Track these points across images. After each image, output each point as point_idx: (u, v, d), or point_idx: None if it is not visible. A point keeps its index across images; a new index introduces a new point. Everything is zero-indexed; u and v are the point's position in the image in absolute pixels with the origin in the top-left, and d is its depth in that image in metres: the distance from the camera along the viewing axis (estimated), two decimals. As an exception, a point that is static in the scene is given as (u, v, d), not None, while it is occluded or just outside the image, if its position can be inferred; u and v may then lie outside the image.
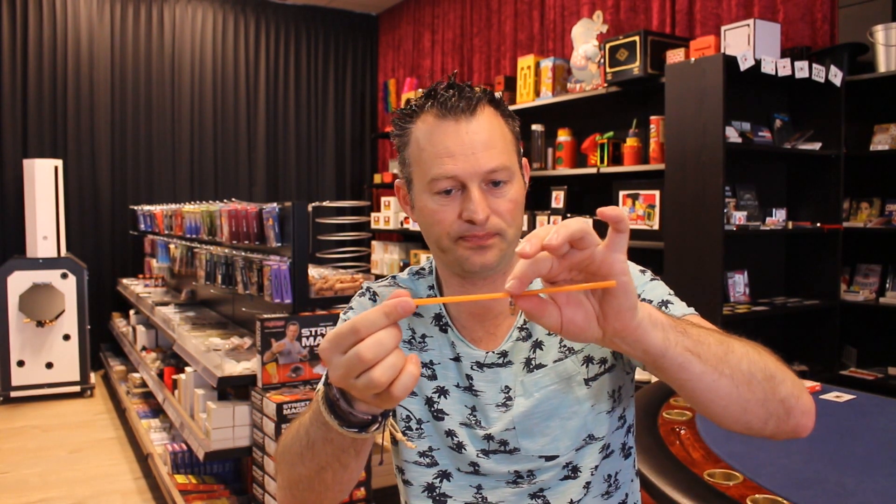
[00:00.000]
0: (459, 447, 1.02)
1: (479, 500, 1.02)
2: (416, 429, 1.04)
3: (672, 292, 1.00)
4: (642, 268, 1.05)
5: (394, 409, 1.01)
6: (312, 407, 0.82)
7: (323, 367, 1.04)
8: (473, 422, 1.02)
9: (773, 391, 0.81)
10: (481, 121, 0.95)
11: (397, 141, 1.01)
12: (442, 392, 1.04)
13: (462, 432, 1.02)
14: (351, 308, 1.11)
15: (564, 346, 1.01)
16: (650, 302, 0.97)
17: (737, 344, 0.80)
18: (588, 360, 1.00)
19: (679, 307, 0.97)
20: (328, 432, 0.79)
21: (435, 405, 1.04)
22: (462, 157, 0.93)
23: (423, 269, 1.14)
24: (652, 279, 1.02)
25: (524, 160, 1.06)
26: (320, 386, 1.00)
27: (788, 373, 0.85)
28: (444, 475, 1.04)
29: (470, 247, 0.95)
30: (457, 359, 1.04)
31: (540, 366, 1.00)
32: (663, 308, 0.96)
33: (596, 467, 1.00)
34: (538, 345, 1.02)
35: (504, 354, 1.02)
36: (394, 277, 1.14)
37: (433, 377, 1.04)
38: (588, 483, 1.01)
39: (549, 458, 0.99)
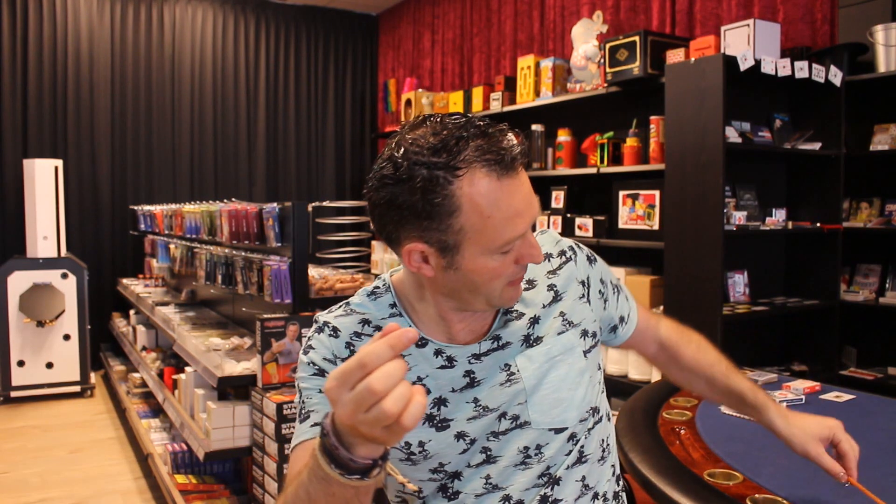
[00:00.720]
0: (471, 443, 1.03)
1: (490, 488, 1.03)
2: (421, 452, 1.03)
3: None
4: (573, 244, 1.15)
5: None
6: (308, 464, 0.78)
7: (300, 431, 1.02)
8: (481, 410, 1.02)
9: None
10: (521, 172, 0.92)
11: (439, 204, 0.87)
12: (440, 402, 1.03)
13: (472, 427, 1.03)
14: (311, 347, 1.04)
15: (566, 319, 1.06)
16: (618, 288, 1.19)
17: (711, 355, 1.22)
18: (584, 334, 1.08)
19: (628, 291, 1.23)
20: (329, 486, 0.75)
21: (436, 418, 1.03)
22: (527, 214, 0.92)
23: (377, 288, 1.09)
24: (591, 259, 1.16)
25: None
26: (306, 442, 0.98)
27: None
28: (455, 475, 1.05)
29: (515, 286, 0.99)
30: (448, 364, 1.03)
31: (539, 339, 1.05)
32: (615, 293, 1.18)
33: (589, 431, 1.07)
34: (535, 320, 1.05)
35: (497, 338, 1.04)
36: (347, 303, 1.09)
37: (426, 392, 1.03)
38: (588, 453, 1.07)
39: (558, 431, 1.03)
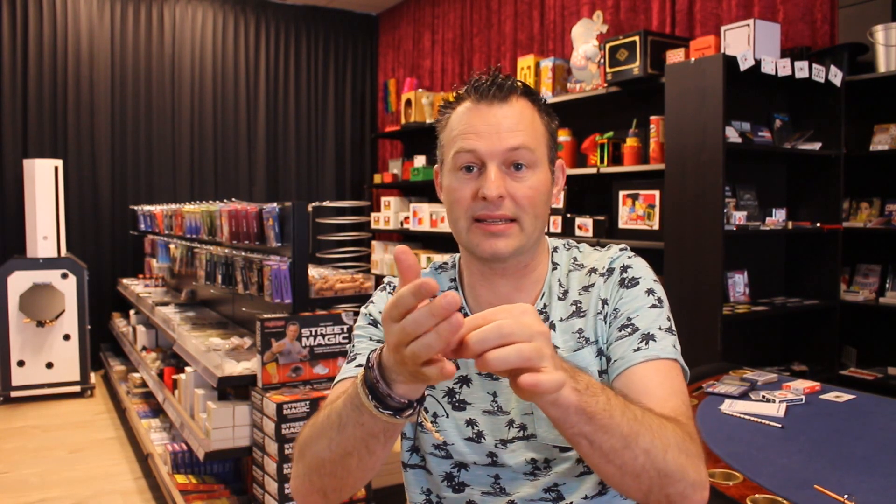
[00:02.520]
0: (479, 436, 1.03)
1: (497, 489, 1.03)
2: (432, 422, 1.05)
3: (665, 325, 0.98)
4: (651, 286, 1.02)
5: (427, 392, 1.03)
6: (347, 391, 0.83)
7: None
8: (496, 408, 1.02)
9: (661, 487, 0.80)
10: (513, 107, 0.99)
11: (437, 126, 1.06)
12: (464, 381, 1.05)
13: (483, 420, 1.03)
14: (372, 302, 1.13)
15: (582, 335, 1.02)
16: (633, 328, 0.97)
17: (646, 437, 0.78)
18: (600, 353, 1.02)
19: (659, 346, 0.95)
20: (361, 415, 0.80)
21: (456, 395, 1.04)
22: (486, 134, 0.97)
23: (446, 263, 1.16)
24: (653, 305, 1.00)
25: (560, 161, 1.08)
26: (347, 379, 1.03)
27: (690, 467, 0.82)
28: (461, 465, 1.05)
29: (482, 232, 0.97)
30: None
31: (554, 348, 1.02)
32: (644, 343, 0.96)
33: None
34: (552, 327, 1.03)
35: None
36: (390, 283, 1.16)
37: (455, 367, 1.05)
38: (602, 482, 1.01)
39: (563, 449, 1.00)
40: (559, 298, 1.05)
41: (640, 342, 0.95)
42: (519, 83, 1.01)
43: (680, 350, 0.98)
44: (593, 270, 1.05)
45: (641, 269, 1.04)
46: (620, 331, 0.98)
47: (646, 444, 0.77)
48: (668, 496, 0.81)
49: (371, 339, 1.07)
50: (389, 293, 1.12)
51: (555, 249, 1.10)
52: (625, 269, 1.03)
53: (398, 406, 0.77)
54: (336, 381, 1.05)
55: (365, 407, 0.78)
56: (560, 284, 1.06)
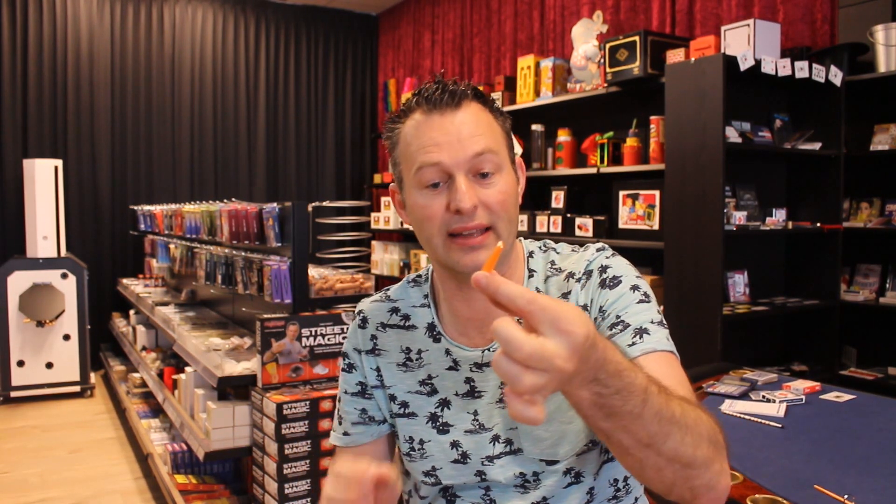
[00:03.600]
0: (464, 457, 1.02)
1: (487, 501, 1.02)
2: (419, 449, 1.05)
3: (656, 319, 0.94)
4: (635, 282, 0.98)
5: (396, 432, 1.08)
6: None
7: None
8: (478, 426, 1.02)
9: (686, 480, 0.76)
10: (467, 113, 0.95)
11: (388, 143, 1.01)
12: (444, 404, 1.04)
13: (467, 441, 1.02)
14: (346, 336, 1.15)
15: None
16: (624, 324, 0.93)
17: (677, 436, 0.73)
18: None
19: (654, 339, 0.91)
20: None
21: (440, 419, 1.03)
22: (447, 144, 0.93)
23: (419, 276, 1.13)
24: (641, 300, 0.96)
25: (519, 159, 1.04)
26: (340, 441, 1.13)
27: (717, 458, 0.78)
28: (451, 487, 1.04)
29: (460, 247, 0.94)
30: (454, 366, 1.03)
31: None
32: (638, 337, 0.91)
33: (598, 472, 1.00)
34: None
35: None
36: (388, 289, 1.14)
37: (433, 392, 1.04)
38: (591, 489, 1.00)
39: (549, 463, 0.98)
40: None
41: (634, 336, 0.91)
42: (468, 87, 0.98)
43: (672, 342, 0.94)
44: (571, 275, 1.01)
45: (622, 266, 1.00)
46: (611, 329, 0.94)
47: (674, 444, 0.73)
48: (693, 488, 0.78)
49: (350, 395, 1.11)
50: (360, 325, 1.12)
51: (530, 254, 1.06)
52: (603, 269, 0.99)
53: None
54: (331, 441, 1.13)
55: None
56: (538, 291, 1.01)
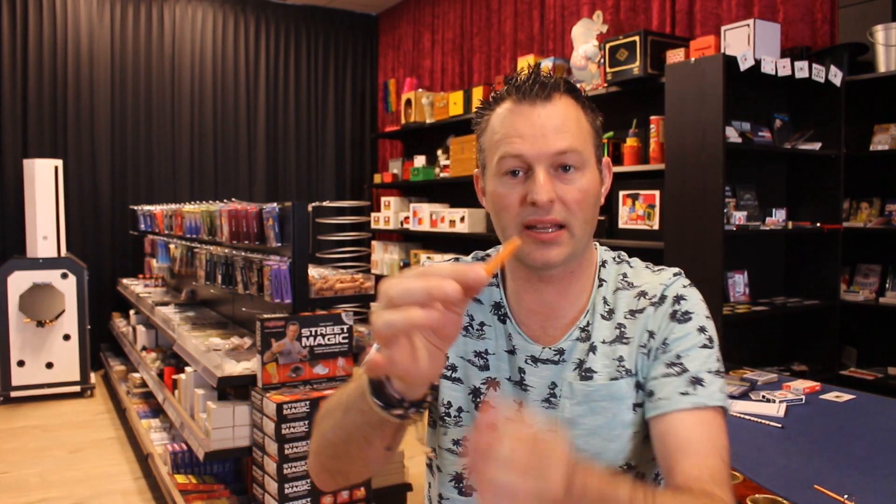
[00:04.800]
0: None
1: None
2: (455, 416, 1.03)
3: (713, 368, 0.93)
4: (704, 323, 0.96)
5: (431, 398, 0.96)
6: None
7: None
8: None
9: None
10: (557, 106, 0.94)
11: (477, 129, 1.02)
12: (492, 384, 1.02)
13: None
14: (457, 259, 1.13)
15: (622, 365, 0.97)
16: (682, 368, 0.92)
17: None
18: (639, 386, 0.96)
19: (707, 392, 0.90)
20: (363, 401, 0.79)
21: (482, 395, 1.02)
22: (531, 137, 0.92)
23: (488, 254, 1.11)
24: (704, 345, 0.94)
25: (606, 159, 1.03)
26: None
27: None
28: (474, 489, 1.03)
29: (533, 240, 0.93)
30: (511, 351, 1.02)
31: (590, 371, 0.97)
32: (692, 387, 0.90)
33: None
34: (593, 349, 0.99)
35: (561, 352, 0.99)
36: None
37: (485, 367, 1.03)
38: None
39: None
40: (603, 317, 1.00)
41: (688, 385, 0.90)
42: (561, 80, 0.96)
43: (727, 392, 0.93)
44: (643, 294, 0.99)
45: (695, 302, 0.98)
46: (668, 367, 0.92)
47: None
48: None
49: None
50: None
51: (603, 264, 1.05)
52: (678, 299, 0.97)
53: (391, 400, 0.75)
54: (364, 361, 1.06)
55: (365, 391, 0.77)
56: (605, 302, 1.01)
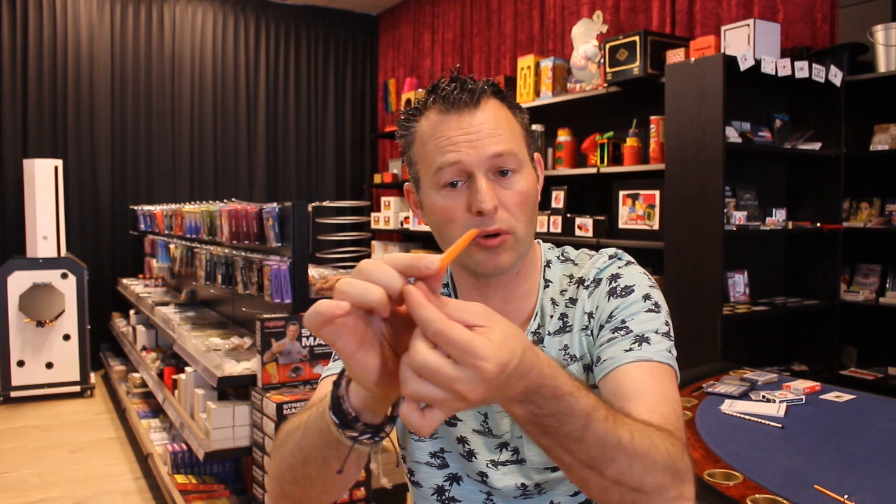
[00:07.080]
0: (470, 455, 1.01)
1: None
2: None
3: (662, 330, 0.93)
4: (648, 291, 0.97)
5: (389, 429, 0.84)
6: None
7: (323, 367, 1.02)
8: (486, 429, 1.01)
9: (633, 502, 0.73)
10: (486, 111, 0.93)
11: (402, 142, 0.99)
12: None
13: (475, 440, 1.01)
14: None
15: (568, 353, 0.98)
16: (627, 330, 0.92)
17: (623, 462, 0.70)
18: (588, 369, 0.97)
19: (653, 349, 0.90)
20: (321, 420, 0.75)
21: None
22: (466, 144, 0.91)
23: None
24: (650, 310, 0.95)
25: (537, 156, 1.03)
26: (327, 378, 1.00)
27: (673, 486, 0.75)
28: (454, 478, 1.03)
29: (481, 248, 0.93)
30: None
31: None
32: (637, 344, 0.90)
33: None
34: (540, 341, 1.00)
35: None
36: None
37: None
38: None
39: (554, 469, 0.97)
40: (551, 317, 1.01)
41: (633, 343, 0.90)
42: (487, 84, 0.95)
43: (675, 356, 0.93)
44: (580, 281, 1.01)
45: (635, 275, 0.99)
46: (613, 333, 0.93)
47: (618, 469, 0.70)
48: None
49: None
50: None
51: (547, 263, 1.05)
52: (614, 278, 0.98)
53: (346, 418, 0.71)
54: (322, 376, 1.01)
55: (325, 408, 0.73)
56: (553, 303, 1.02)
